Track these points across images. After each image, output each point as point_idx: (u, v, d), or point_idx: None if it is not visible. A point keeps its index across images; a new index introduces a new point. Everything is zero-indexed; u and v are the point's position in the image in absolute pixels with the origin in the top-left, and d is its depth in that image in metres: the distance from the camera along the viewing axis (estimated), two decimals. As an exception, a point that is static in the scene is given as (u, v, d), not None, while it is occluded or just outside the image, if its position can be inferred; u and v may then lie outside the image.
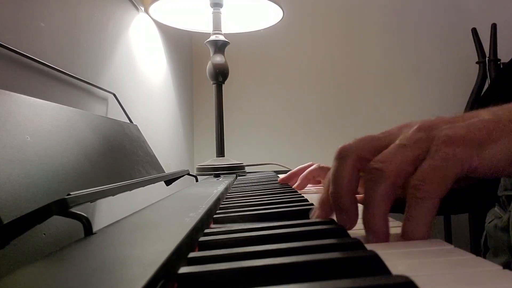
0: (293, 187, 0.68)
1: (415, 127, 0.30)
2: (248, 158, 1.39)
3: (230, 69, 1.10)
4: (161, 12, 1.08)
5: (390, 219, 0.33)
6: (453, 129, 0.28)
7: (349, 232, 0.29)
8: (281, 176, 0.75)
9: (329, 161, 0.65)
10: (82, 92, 0.67)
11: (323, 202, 0.34)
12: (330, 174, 0.32)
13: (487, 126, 0.28)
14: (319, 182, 0.73)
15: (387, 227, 0.28)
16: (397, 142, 0.29)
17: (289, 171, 0.76)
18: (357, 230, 0.33)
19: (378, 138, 0.32)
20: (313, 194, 0.62)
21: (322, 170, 0.69)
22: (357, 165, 0.31)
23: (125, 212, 0.37)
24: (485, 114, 0.29)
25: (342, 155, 0.31)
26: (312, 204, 0.42)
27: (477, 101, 1.39)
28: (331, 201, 0.31)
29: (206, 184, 0.68)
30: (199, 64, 1.60)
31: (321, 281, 0.18)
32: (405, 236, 0.27)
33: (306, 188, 0.71)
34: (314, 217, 0.35)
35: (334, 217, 0.32)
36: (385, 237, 0.28)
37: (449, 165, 0.27)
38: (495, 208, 0.73)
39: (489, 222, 0.73)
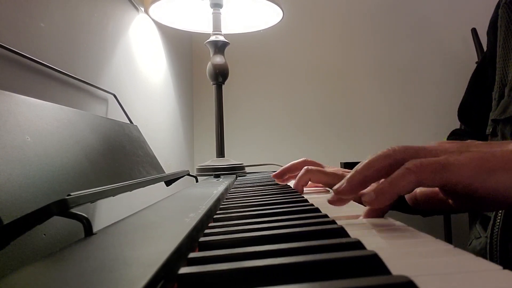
0: None
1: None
2: (248, 159, 1.40)
3: (230, 70, 1.10)
4: (161, 12, 1.08)
5: (390, 218, 0.33)
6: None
7: (349, 232, 0.29)
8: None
9: (330, 161, 0.65)
10: (82, 92, 0.67)
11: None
12: (368, 157, 0.35)
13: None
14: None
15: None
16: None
17: None
18: (358, 230, 0.33)
19: (426, 149, 0.35)
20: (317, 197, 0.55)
21: (312, 174, 0.58)
22: (393, 167, 0.33)
23: (125, 212, 0.37)
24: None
25: (387, 154, 0.34)
26: (313, 205, 0.42)
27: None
28: (351, 174, 0.35)
29: (206, 185, 0.68)
30: (199, 65, 1.60)
31: (321, 281, 0.18)
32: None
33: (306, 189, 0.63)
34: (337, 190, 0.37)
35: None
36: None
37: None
38: (476, 226, 0.73)
39: (469, 245, 0.72)
